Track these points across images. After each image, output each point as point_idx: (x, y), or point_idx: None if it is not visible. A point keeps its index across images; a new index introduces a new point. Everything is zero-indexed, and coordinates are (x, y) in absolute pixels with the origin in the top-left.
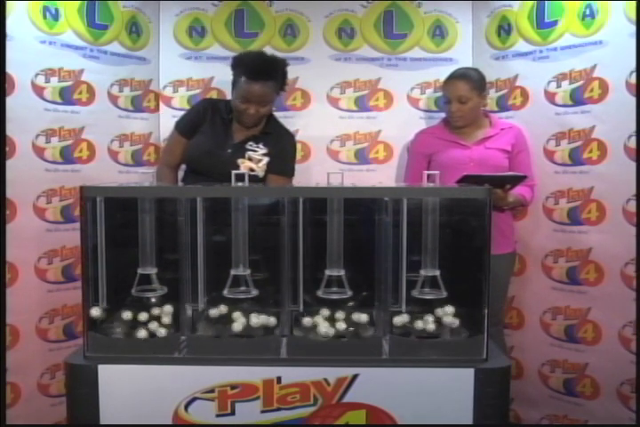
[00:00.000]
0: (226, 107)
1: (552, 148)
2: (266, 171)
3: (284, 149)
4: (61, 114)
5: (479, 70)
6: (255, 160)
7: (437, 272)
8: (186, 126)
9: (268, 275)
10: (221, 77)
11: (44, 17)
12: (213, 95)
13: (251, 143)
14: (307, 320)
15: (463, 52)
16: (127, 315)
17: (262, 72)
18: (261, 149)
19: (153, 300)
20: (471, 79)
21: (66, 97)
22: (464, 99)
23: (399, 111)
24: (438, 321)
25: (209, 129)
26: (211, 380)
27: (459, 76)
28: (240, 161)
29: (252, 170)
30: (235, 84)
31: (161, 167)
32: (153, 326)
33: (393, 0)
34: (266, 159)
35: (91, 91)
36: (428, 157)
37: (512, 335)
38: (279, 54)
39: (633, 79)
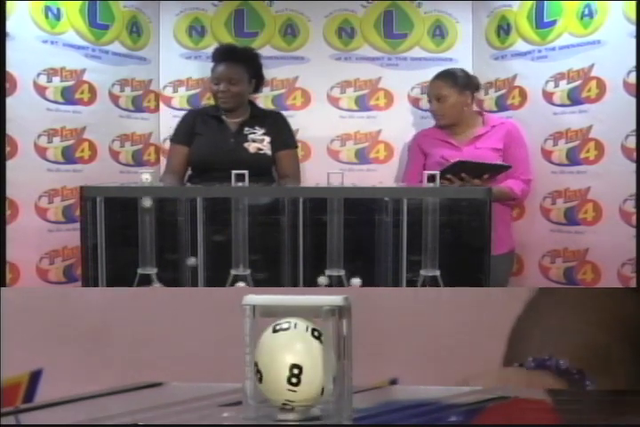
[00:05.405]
0: (210, 107)
1: (549, 147)
2: (272, 151)
3: (277, 124)
4: (63, 114)
5: (464, 70)
6: (259, 140)
7: (437, 272)
8: (184, 135)
9: (268, 275)
10: None
11: (46, 17)
12: None
13: (247, 129)
14: None
15: (463, 51)
16: None
17: (227, 52)
18: (259, 131)
19: None
20: (449, 78)
21: (68, 97)
22: (441, 97)
23: (399, 111)
24: None
25: (205, 130)
26: None
27: (437, 75)
28: (247, 144)
29: (260, 149)
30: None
31: (165, 175)
32: None
33: (393, 0)
34: (267, 138)
35: (92, 91)
36: (423, 157)
37: None
38: (279, 54)
39: (630, 79)
